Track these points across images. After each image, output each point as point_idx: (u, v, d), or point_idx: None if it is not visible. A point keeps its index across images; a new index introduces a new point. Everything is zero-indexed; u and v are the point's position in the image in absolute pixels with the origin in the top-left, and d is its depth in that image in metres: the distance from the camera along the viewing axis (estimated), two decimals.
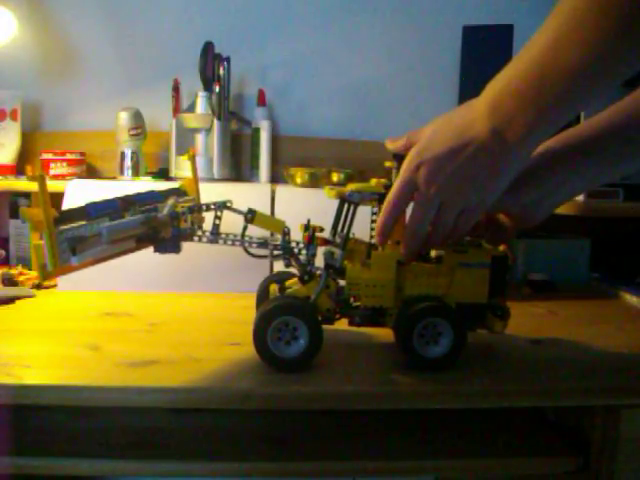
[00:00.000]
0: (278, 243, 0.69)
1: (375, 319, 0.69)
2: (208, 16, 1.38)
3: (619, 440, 0.66)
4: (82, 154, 1.26)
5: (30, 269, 1.14)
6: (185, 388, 0.61)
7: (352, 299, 0.69)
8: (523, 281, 1.15)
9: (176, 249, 0.69)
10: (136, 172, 1.25)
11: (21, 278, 1.05)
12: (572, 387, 0.65)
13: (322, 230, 0.70)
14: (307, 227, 0.70)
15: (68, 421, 0.72)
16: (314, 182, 1.17)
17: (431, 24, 1.42)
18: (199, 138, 1.26)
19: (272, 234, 0.71)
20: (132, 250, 0.69)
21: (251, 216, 0.69)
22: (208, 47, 1.26)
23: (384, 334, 0.71)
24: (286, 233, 0.70)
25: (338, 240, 0.68)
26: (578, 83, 0.52)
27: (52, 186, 1.13)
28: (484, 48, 1.24)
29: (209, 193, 1.10)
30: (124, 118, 1.23)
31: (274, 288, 0.71)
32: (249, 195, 1.11)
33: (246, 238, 0.69)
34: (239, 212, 0.70)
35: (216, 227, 0.70)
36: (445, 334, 0.65)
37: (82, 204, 0.65)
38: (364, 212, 0.69)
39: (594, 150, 0.67)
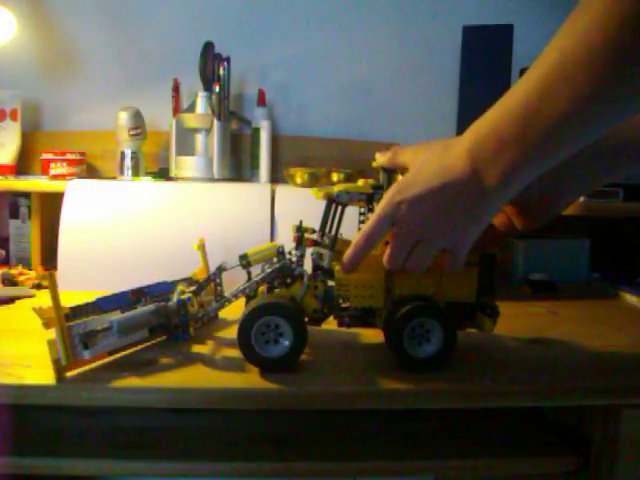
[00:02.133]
0: (275, 268, 0.70)
1: (365, 320, 0.69)
2: (208, 16, 1.38)
3: (619, 440, 0.66)
4: (82, 154, 1.26)
5: (30, 269, 1.15)
6: (185, 388, 0.61)
7: (341, 300, 0.69)
8: (523, 281, 1.15)
9: (187, 336, 0.73)
10: (136, 172, 1.25)
11: (21, 278, 1.05)
12: (572, 387, 0.65)
13: (314, 232, 0.70)
14: (299, 229, 0.70)
15: (68, 421, 0.72)
16: (314, 182, 1.17)
17: (431, 24, 1.42)
18: (199, 138, 1.26)
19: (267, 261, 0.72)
20: (147, 340, 0.72)
21: (246, 261, 0.71)
22: (208, 47, 1.26)
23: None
24: (281, 252, 0.71)
25: (326, 241, 0.68)
26: (562, 133, 0.52)
27: (52, 186, 1.13)
28: (484, 48, 1.24)
29: (209, 193, 1.11)
30: (124, 118, 1.23)
31: (262, 289, 0.71)
32: (249, 195, 1.11)
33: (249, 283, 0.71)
34: (235, 266, 0.72)
35: (220, 293, 0.75)
36: (435, 334, 0.65)
37: (93, 299, 0.69)
38: (353, 212, 0.69)
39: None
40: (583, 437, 0.69)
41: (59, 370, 0.61)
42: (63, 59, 1.37)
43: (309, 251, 0.70)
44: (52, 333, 0.61)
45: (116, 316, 0.66)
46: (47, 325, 0.61)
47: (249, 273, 0.71)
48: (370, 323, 0.69)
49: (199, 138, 1.26)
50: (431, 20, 1.42)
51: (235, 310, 0.72)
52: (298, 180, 1.19)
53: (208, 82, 1.26)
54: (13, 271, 1.08)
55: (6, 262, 1.20)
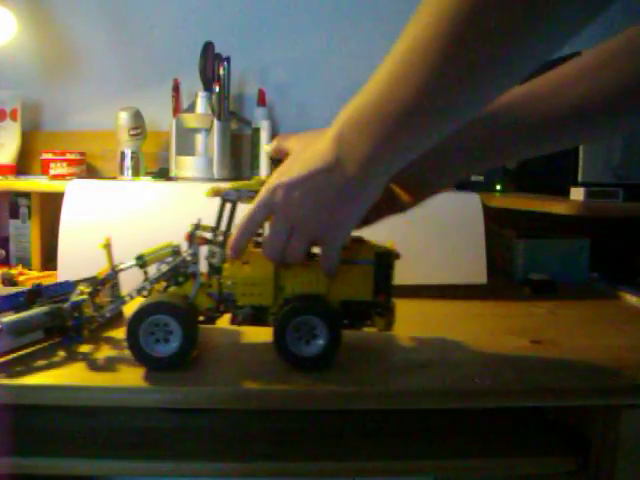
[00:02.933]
0: (169, 267, 0.69)
1: (258, 318, 0.68)
2: (208, 16, 1.39)
3: (619, 440, 0.66)
4: (82, 154, 1.26)
5: (30, 269, 1.15)
6: (185, 388, 0.61)
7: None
8: (523, 281, 1.14)
9: (80, 339, 0.71)
10: (136, 172, 1.25)
11: (21, 278, 1.05)
12: (572, 387, 0.65)
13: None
14: (197, 227, 0.70)
15: (68, 421, 0.72)
16: None
17: None
18: (199, 138, 1.26)
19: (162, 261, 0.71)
20: (43, 341, 0.70)
21: (142, 261, 0.70)
22: (208, 47, 1.26)
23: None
24: (176, 252, 0.70)
25: (219, 239, 0.68)
26: (413, 122, 0.51)
27: (52, 186, 1.13)
28: None
29: None
30: (124, 118, 1.23)
31: (157, 289, 0.70)
32: None
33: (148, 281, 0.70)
34: (130, 267, 0.71)
35: (116, 293, 0.75)
36: (320, 332, 0.64)
37: None
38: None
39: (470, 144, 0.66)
40: (583, 437, 0.69)
41: None
42: (63, 59, 1.37)
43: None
44: None
45: (7, 317, 0.65)
46: None
47: (146, 273, 0.70)
48: (263, 322, 0.68)
49: (199, 138, 1.26)
50: None
51: None
52: None
53: (208, 82, 1.26)
54: (13, 271, 1.08)
55: (6, 262, 1.20)
